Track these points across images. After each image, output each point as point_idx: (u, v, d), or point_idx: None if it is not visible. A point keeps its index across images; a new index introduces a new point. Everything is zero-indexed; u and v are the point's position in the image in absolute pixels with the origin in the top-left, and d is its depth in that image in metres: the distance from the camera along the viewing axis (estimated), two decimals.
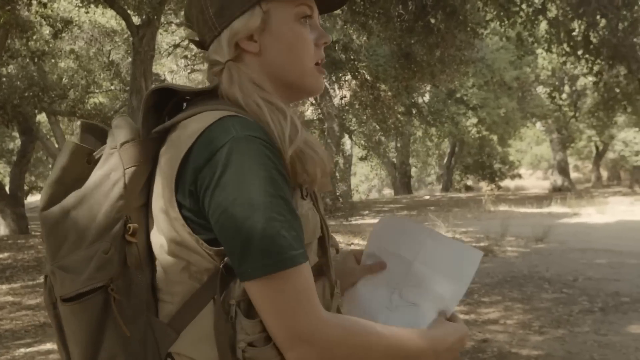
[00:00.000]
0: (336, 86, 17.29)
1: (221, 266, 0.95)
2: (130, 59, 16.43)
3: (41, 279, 1.32)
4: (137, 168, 1.01)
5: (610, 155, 31.23)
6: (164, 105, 1.06)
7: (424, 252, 1.22)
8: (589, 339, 4.81)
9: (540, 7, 8.52)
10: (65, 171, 1.02)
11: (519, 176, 34.87)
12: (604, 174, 34.58)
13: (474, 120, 21.99)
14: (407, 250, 1.24)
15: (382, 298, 1.23)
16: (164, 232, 0.99)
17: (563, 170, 27.20)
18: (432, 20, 9.18)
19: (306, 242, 0.99)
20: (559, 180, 26.85)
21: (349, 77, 15.87)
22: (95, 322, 1.00)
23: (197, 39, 1.13)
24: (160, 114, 1.06)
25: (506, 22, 8.74)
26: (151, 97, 1.04)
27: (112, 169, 1.00)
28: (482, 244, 9.96)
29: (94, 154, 1.05)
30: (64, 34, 14.24)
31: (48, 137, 20.26)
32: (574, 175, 32.73)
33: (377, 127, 19.53)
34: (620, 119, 20.56)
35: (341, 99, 17.86)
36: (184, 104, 1.09)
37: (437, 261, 1.20)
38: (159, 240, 1.01)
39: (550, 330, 5.13)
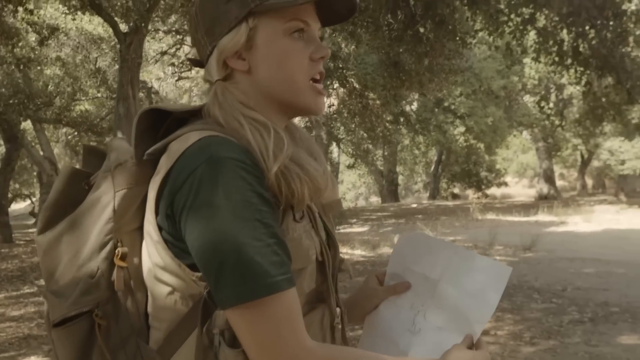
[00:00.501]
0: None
1: (205, 292, 0.92)
2: (117, 66, 16.36)
3: (25, 290, 1.29)
4: (128, 191, 0.99)
5: (595, 163, 31.48)
6: (160, 125, 1.04)
7: (450, 271, 1.16)
8: (580, 350, 4.80)
9: (528, 17, 8.58)
10: (62, 195, 1.03)
11: (505, 184, 35.06)
12: (589, 182, 34.85)
13: (462, 129, 22.09)
14: (432, 269, 1.18)
15: (405, 321, 1.18)
16: (150, 255, 0.97)
17: (549, 178, 27.38)
18: (421, 30, 9.21)
19: (298, 267, 0.95)
20: (545, 188, 27.01)
21: (337, 85, 15.87)
22: (80, 348, 0.98)
23: (197, 58, 1.10)
24: (156, 135, 1.03)
25: (494, 32, 8.79)
26: (144, 118, 1.01)
27: (103, 192, 0.99)
28: None
29: (92, 177, 1.04)
30: (50, 41, 14.14)
31: (33, 144, 20.07)
32: (559, 183, 32.96)
33: (365, 135, 19.55)
34: (607, 127, 20.74)
35: (329, 107, 17.86)
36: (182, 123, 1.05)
37: (464, 280, 1.15)
38: (147, 263, 0.98)
39: (541, 341, 5.11)
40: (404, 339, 1.15)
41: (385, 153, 28.41)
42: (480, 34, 10.70)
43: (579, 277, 7.83)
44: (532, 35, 9.76)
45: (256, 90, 1.02)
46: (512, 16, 8.65)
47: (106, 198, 0.98)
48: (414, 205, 24.82)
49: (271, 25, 1.01)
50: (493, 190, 33.88)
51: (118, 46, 14.53)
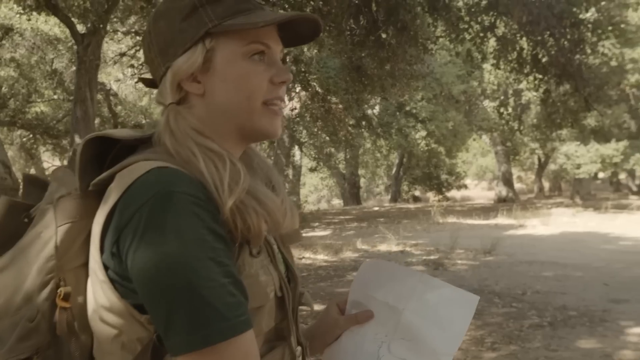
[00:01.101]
0: (286, 98, 17.24)
1: (154, 336, 0.85)
2: (74, 68, 15.99)
3: None
4: (72, 225, 0.90)
5: (551, 167, 32.20)
6: (107, 153, 0.96)
7: (415, 300, 1.12)
8: (540, 355, 4.87)
9: (489, 24, 8.71)
10: None
11: (465, 187, 35.58)
12: (546, 185, 35.63)
13: (423, 132, 22.33)
14: (395, 297, 1.13)
15: (369, 354, 1.12)
16: (95, 295, 0.88)
17: (507, 181, 27.89)
18: (383, 35, 9.24)
19: (256, 306, 0.90)
20: (503, 191, 27.51)
21: (299, 89, 15.84)
22: None
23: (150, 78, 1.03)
24: (103, 164, 0.95)
25: (455, 39, 8.89)
26: (89, 146, 0.93)
27: (44, 227, 0.91)
28: (432, 257, 10.06)
29: (32, 210, 0.97)
30: (4, 42, 13.75)
31: None
32: (517, 186, 33.60)
33: (328, 139, 19.57)
34: (563, 132, 21.23)
35: (291, 110, 17.82)
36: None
37: (429, 309, 1.11)
38: (92, 304, 0.90)
39: (503, 346, 5.17)
40: None
41: (347, 156, 28.53)
42: (441, 40, 10.82)
43: (538, 280, 7.96)
44: (492, 42, 9.92)
45: (211, 114, 0.96)
46: (473, 24, 8.76)
47: (47, 233, 0.90)
48: (376, 208, 24.95)
49: (230, 47, 0.95)
50: (453, 193, 34.36)
51: (75, 47, 14.22)
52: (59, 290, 0.89)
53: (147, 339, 0.86)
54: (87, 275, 0.92)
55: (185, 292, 0.79)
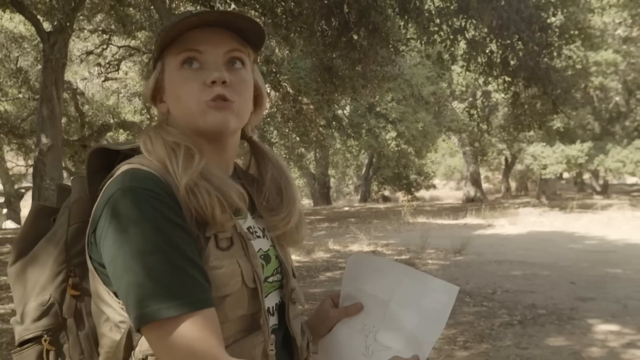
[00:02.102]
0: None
1: (131, 320, 0.94)
2: (39, 66, 15.67)
3: None
4: (81, 225, 1.06)
5: (518, 167, 32.74)
6: (114, 161, 1.09)
7: (400, 292, 1.19)
8: (511, 353, 4.95)
9: (459, 27, 8.81)
10: (30, 229, 1.12)
11: (434, 187, 35.97)
12: (512, 184, 36.20)
13: (393, 133, 22.47)
14: (382, 290, 1.21)
15: (358, 344, 1.19)
16: (90, 285, 1.03)
17: (475, 181, 28.28)
18: (355, 37, 9.28)
19: (220, 295, 0.97)
20: (471, 191, 27.88)
21: (270, 89, 15.79)
22: None
23: None
24: (109, 171, 1.08)
25: (427, 41, 8.97)
26: (95, 156, 1.08)
27: (60, 226, 1.09)
28: (403, 257, 10.13)
29: (59, 213, 1.12)
30: None
31: None
32: (485, 186, 34.11)
33: (299, 139, 19.57)
34: (530, 133, 21.60)
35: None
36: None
37: (413, 300, 1.18)
38: (92, 292, 1.04)
39: (475, 345, 5.24)
40: None
41: (317, 156, 28.56)
42: (412, 41, 10.91)
43: (507, 279, 8.09)
44: (462, 45, 10.04)
45: (177, 126, 1.09)
46: (444, 26, 8.86)
47: (61, 231, 1.07)
48: (346, 208, 25.04)
49: (170, 64, 1.07)
50: (422, 193, 34.70)
51: (41, 45, 13.95)
52: (69, 280, 1.06)
53: (127, 321, 0.96)
54: None
55: (142, 273, 0.89)
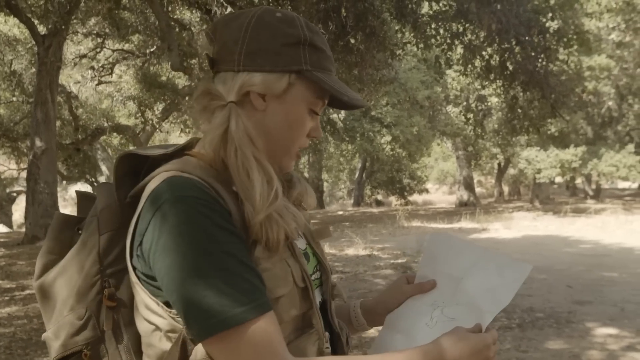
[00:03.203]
0: None
1: (183, 328, 0.94)
2: (34, 70, 15.62)
3: None
4: (112, 233, 1.04)
5: (511, 171, 32.88)
6: (141, 167, 1.08)
7: (473, 269, 1.21)
8: (511, 357, 4.96)
9: (456, 32, 8.85)
10: (55, 241, 1.09)
11: (427, 191, 36.05)
12: (505, 189, 36.35)
13: (388, 137, 22.52)
14: (457, 269, 1.23)
15: (424, 315, 1.21)
16: (135, 295, 1.01)
17: (469, 185, 28.35)
18: (352, 41, 9.31)
19: (274, 297, 0.97)
20: (465, 195, 27.95)
21: None
22: None
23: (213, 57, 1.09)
24: (138, 177, 1.07)
25: (425, 46, 9.00)
26: (122, 163, 1.06)
27: (89, 236, 1.05)
28: (400, 261, 10.14)
29: (83, 222, 1.10)
30: None
31: None
32: (477, 190, 34.19)
33: None
34: (523, 138, 21.73)
35: None
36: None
37: (485, 277, 1.19)
38: (135, 303, 1.02)
39: None
40: (420, 333, 1.18)
41: (311, 160, 28.58)
42: (408, 45, 10.94)
43: None
44: (459, 49, 10.09)
45: (259, 130, 1.05)
46: (441, 31, 8.90)
47: (92, 241, 1.04)
48: (340, 213, 25.04)
49: (304, 92, 1.06)
50: (415, 197, 34.76)
51: (35, 49, 13.90)
52: (104, 291, 1.03)
53: (178, 330, 0.95)
54: (128, 278, 1.03)
55: (201, 283, 0.88)
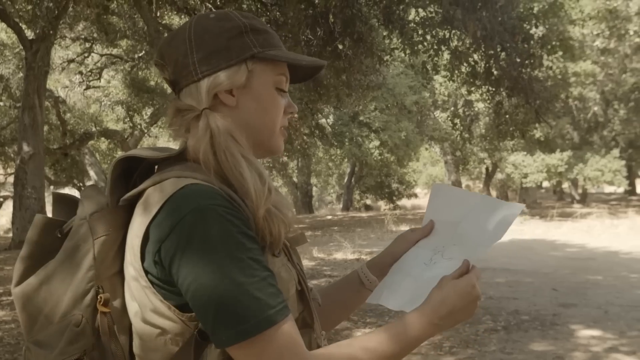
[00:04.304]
0: None
1: (195, 332, 0.96)
2: (21, 74, 15.54)
3: None
4: (107, 237, 1.02)
5: (498, 176, 33.06)
6: (133, 170, 1.08)
7: (470, 213, 1.27)
8: (496, 358, 5.03)
9: (443, 38, 8.95)
10: (36, 245, 1.05)
11: (415, 195, 36.11)
12: (493, 193, 36.52)
13: (377, 142, 22.61)
14: (456, 214, 1.29)
15: (423, 257, 1.27)
16: (137, 299, 0.99)
17: None
18: (340, 46, 9.38)
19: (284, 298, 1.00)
20: None
21: None
22: None
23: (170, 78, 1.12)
24: (129, 181, 1.08)
25: (411, 52, 9.08)
26: (118, 166, 1.05)
27: (81, 240, 1.01)
28: None
29: (64, 226, 1.06)
30: None
31: None
32: None
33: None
34: (510, 143, 21.89)
35: None
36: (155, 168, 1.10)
37: (480, 217, 1.24)
38: (133, 307, 1.00)
39: (460, 350, 5.30)
40: (416, 269, 1.25)
41: (300, 165, 28.59)
42: (396, 51, 11.03)
43: (491, 287, 8.18)
44: (445, 55, 10.18)
45: (238, 126, 1.07)
46: (428, 37, 8.99)
47: (85, 246, 1.01)
48: (329, 217, 25.07)
49: (265, 74, 1.09)
50: (404, 202, 34.81)
51: (23, 53, 13.85)
52: (99, 297, 1.00)
53: (188, 334, 0.96)
54: (122, 282, 1.03)
55: (233, 289, 0.89)
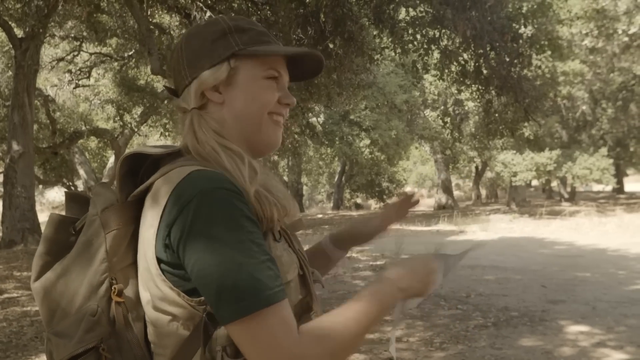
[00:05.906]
0: None
1: (204, 315, 1.00)
2: (10, 73, 15.47)
3: None
4: (118, 231, 1.08)
5: (488, 174, 33.22)
6: (139, 167, 1.13)
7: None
8: (486, 354, 5.07)
9: (433, 37, 9.01)
10: (52, 242, 1.12)
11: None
12: (483, 192, 36.70)
13: (367, 141, 22.66)
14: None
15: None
16: (148, 288, 1.04)
17: (447, 189, 28.63)
18: (331, 45, 9.41)
19: (285, 282, 1.04)
20: (443, 198, 28.22)
21: None
22: None
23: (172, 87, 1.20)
24: (137, 176, 1.13)
25: (402, 51, 9.13)
26: (125, 163, 1.11)
27: (94, 235, 1.08)
28: (379, 263, 10.24)
29: (77, 222, 1.14)
30: None
31: None
32: (455, 193, 34.49)
33: None
34: (500, 141, 22.02)
35: None
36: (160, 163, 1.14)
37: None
38: (145, 296, 1.06)
39: (451, 346, 5.35)
40: None
41: (290, 164, 28.61)
42: (386, 50, 11.08)
43: (481, 284, 8.25)
44: (435, 54, 10.24)
45: (227, 121, 1.13)
46: (418, 36, 9.04)
47: (98, 240, 1.07)
48: (320, 216, 25.10)
49: (253, 69, 1.13)
50: (394, 200, 34.81)
51: (12, 52, 13.78)
52: (113, 288, 1.06)
53: (198, 318, 1.00)
54: (135, 273, 1.09)
55: (234, 269, 0.94)
